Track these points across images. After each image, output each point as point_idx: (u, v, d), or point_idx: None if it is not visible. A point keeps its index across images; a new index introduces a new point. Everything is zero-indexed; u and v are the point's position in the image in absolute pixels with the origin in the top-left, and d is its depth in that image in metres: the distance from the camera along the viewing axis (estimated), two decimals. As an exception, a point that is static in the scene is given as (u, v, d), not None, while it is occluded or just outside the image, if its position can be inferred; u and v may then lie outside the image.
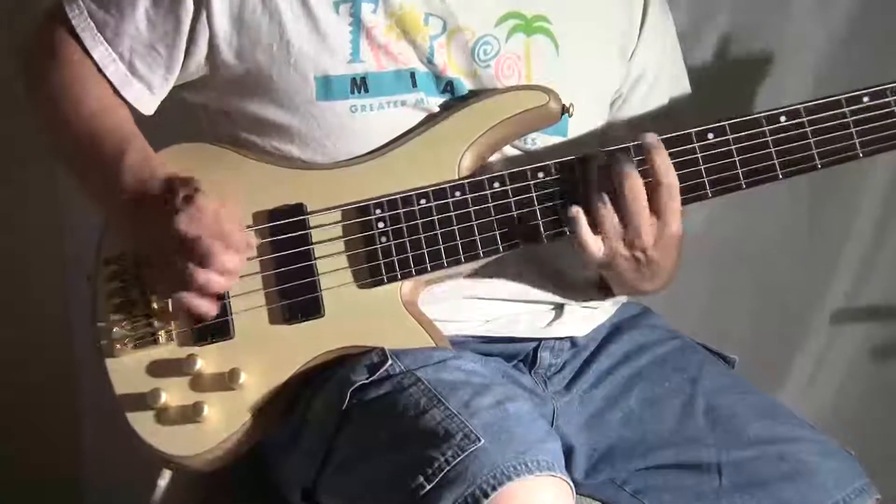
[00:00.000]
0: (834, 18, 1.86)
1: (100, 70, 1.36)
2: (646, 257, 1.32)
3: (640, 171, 1.29)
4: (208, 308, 1.28)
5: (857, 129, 1.33)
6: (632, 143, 1.32)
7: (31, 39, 1.42)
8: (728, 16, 1.89)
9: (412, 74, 1.35)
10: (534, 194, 1.33)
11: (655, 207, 1.30)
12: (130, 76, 1.37)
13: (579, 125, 1.41)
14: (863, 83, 1.35)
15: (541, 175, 1.33)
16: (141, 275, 1.34)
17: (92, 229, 1.40)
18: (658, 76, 1.48)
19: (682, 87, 1.53)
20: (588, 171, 1.32)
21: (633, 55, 1.46)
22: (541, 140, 1.40)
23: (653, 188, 1.29)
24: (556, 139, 1.40)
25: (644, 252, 1.31)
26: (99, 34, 1.35)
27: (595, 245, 1.30)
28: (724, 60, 1.86)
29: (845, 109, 1.34)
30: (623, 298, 1.51)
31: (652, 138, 1.31)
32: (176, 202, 1.25)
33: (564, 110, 1.36)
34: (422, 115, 1.36)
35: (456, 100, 1.37)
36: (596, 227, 1.30)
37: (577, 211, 1.30)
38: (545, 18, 1.39)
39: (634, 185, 1.29)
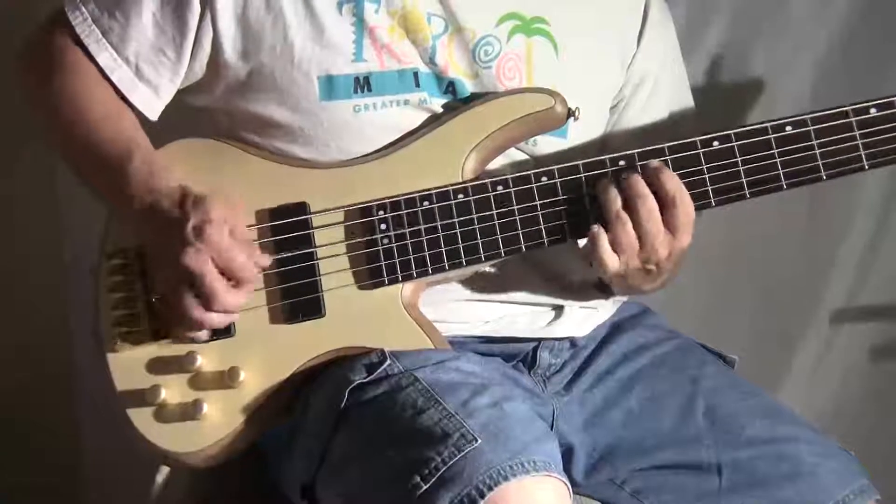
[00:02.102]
0: (833, 20, 1.86)
1: (105, 76, 1.35)
2: (658, 268, 1.32)
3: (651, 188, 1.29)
4: (213, 324, 1.28)
5: (864, 140, 1.32)
6: (639, 162, 1.32)
7: (31, 46, 1.40)
8: (726, 18, 1.89)
9: (415, 74, 1.35)
10: (537, 201, 1.33)
11: (669, 225, 1.30)
12: (137, 81, 1.36)
13: (579, 128, 1.41)
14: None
15: (544, 179, 1.33)
16: (144, 270, 1.34)
17: (92, 229, 1.39)
18: (658, 82, 1.48)
19: (684, 92, 1.53)
20: (599, 191, 1.31)
21: (633, 60, 1.46)
22: (541, 141, 1.39)
23: (667, 208, 1.29)
24: (556, 141, 1.40)
25: (657, 265, 1.32)
26: (104, 39, 1.34)
27: (613, 262, 1.31)
28: (721, 64, 1.85)
29: (852, 120, 1.32)
30: (623, 298, 1.51)
31: (657, 163, 1.31)
32: (186, 231, 1.23)
33: (570, 114, 1.36)
34: (425, 116, 1.36)
35: (459, 101, 1.37)
36: (614, 245, 1.30)
37: (599, 229, 1.30)
38: (544, 20, 1.39)
39: (651, 207, 1.29)
